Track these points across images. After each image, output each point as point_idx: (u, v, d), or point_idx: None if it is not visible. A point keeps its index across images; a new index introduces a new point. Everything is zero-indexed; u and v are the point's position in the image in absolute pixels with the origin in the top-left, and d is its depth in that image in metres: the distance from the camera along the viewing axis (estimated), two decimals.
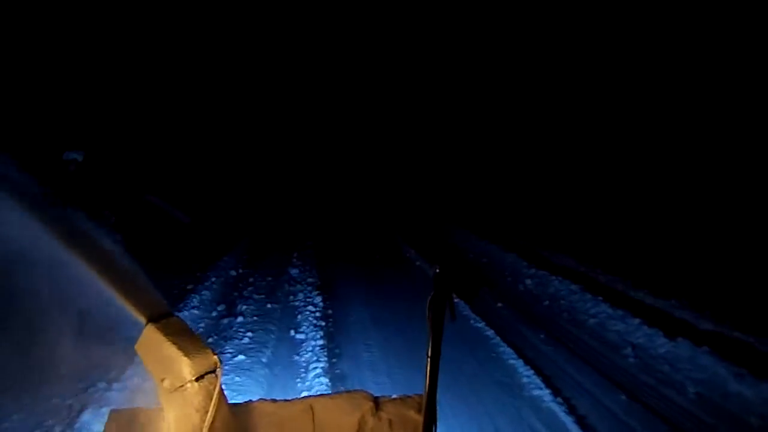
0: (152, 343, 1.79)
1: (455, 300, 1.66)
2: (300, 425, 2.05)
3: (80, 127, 12.59)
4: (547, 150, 18.25)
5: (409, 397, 2.18)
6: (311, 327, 6.64)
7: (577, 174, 16.39)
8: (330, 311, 7.54)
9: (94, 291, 1.73)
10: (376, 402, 2.14)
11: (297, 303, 7.79)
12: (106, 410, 2.08)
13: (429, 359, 1.63)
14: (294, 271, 9.64)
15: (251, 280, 8.99)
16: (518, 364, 5.62)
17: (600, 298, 7.46)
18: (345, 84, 26.27)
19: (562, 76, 18.76)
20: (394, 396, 2.20)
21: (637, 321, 6.54)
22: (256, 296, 7.94)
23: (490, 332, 6.55)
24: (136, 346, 1.82)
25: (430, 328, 1.61)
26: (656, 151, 15.15)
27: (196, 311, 7.29)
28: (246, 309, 7.31)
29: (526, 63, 20.46)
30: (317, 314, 7.14)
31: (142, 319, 1.81)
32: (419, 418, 1.88)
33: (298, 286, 8.67)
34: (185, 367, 1.74)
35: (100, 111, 14.19)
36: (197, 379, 1.77)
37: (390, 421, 2.06)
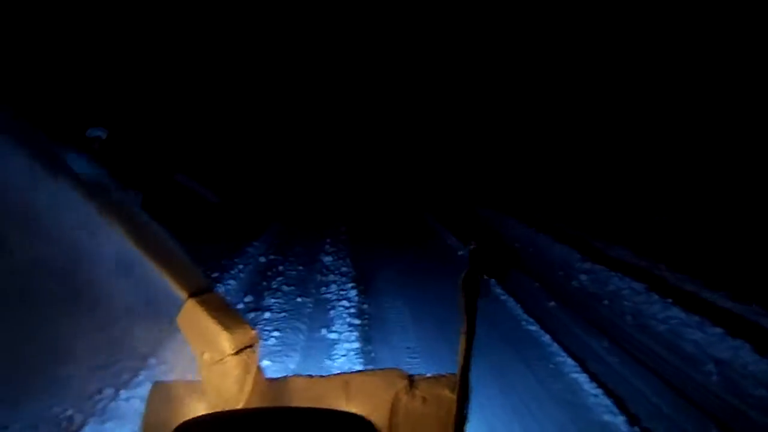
0: (193, 317, 1.84)
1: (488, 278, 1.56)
2: (334, 400, 2.01)
3: (104, 104, 12.11)
4: (593, 128, 17.14)
5: (443, 376, 2.06)
6: (345, 325, 5.98)
7: (632, 154, 15.29)
8: (365, 306, 6.89)
9: (137, 265, 1.77)
10: (411, 380, 2.06)
11: (329, 296, 7.16)
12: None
13: (463, 336, 1.51)
14: (327, 259, 9.01)
15: (281, 268, 8.39)
16: (582, 379, 4.86)
17: (669, 300, 6.62)
18: (379, 61, 25.41)
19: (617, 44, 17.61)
20: (428, 374, 2.09)
21: (718, 330, 5.69)
22: (285, 288, 7.32)
23: (546, 338, 5.80)
24: (177, 320, 1.87)
25: (463, 306, 1.51)
26: (723, 131, 14.05)
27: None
28: (274, 303, 6.69)
29: (574, 32, 19.32)
30: (352, 310, 6.49)
31: (183, 294, 1.84)
32: (452, 396, 1.77)
33: (331, 276, 8.04)
34: (225, 341, 1.79)
35: (126, 87, 13.69)
36: (236, 353, 1.81)
37: (424, 399, 1.99)
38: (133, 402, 4.21)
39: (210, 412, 1.78)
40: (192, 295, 1.85)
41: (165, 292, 1.85)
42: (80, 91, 11.74)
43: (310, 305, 6.76)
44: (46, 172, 1.67)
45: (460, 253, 9.70)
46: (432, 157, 22.06)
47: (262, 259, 8.94)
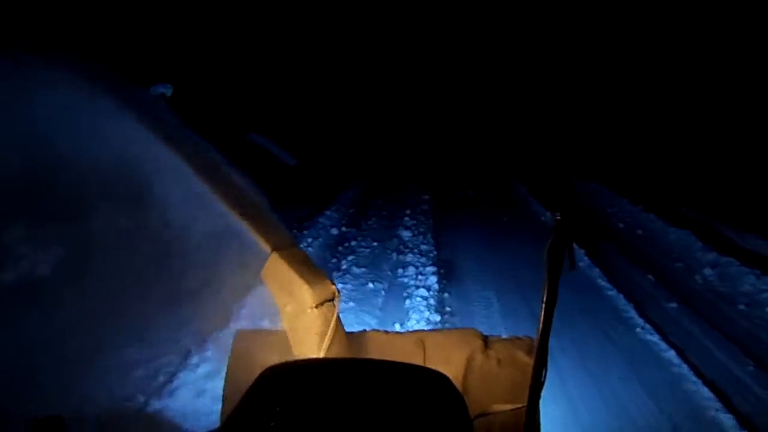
0: (277, 271, 1.95)
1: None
2: (411, 356, 2.07)
3: (171, 58, 11.52)
4: (722, 90, 15.04)
5: (518, 338, 2.17)
6: (422, 323, 5.08)
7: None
8: (446, 294, 5.97)
9: (226, 220, 1.91)
10: (486, 340, 2.15)
11: (406, 280, 6.28)
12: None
13: (544, 305, 1.46)
14: (405, 234, 8.11)
15: (353, 243, 7.56)
16: (728, 422, 3.74)
17: None
18: (467, 23, 23.82)
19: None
20: (503, 336, 2.20)
21: None
22: (356, 269, 6.48)
23: (671, 353, 4.66)
24: (261, 273, 2.01)
25: (546, 276, 1.44)
26: None
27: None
28: (341, 289, 5.86)
29: None
30: (431, 302, 5.57)
31: (268, 248, 1.96)
32: (528, 360, 1.79)
33: (409, 256, 7.14)
34: (306, 294, 1.88)
35: (195, 39, 13.08)
36: (317, 306, 1.90)
37: (498, 360, 2.05)
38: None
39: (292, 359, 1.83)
40: (275, 249, 1.95)
41: (251, 247, 1.95)
42: (144, 41, 11.21)
43: (383, 293, 5.89)
44: (159, 143, 1.81)
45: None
46: (529, 121, 20.53)
47: (334, 231, 8.15)
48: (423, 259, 7.01)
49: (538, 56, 22.00)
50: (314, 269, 2.02)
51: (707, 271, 6.66)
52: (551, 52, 21.50)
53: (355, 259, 6.85)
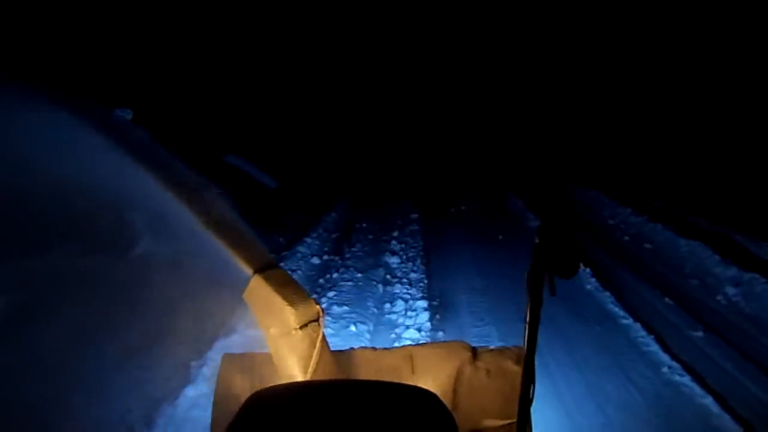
0: (259, 292, 1.95)
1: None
2: (399, 372, 2.06)
3: (138, 77, 10.81)
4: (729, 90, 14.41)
5: (507, 348, 2.15)
6: None
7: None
8: (441, 333, 5.26)
9: (206, 243, 1.84)
10: (474, 352, 2.13)
11: (394, 318, 5.58)
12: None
13: (527, 326, 1.47)
14: (393, 261, 7.39)
15: (335, 275, 6.82)
16: None
17: None
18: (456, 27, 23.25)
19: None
20: (491, 347, 2.18)
21: None
22: (336, 308, 5.73)
23: (708, 400, 3.95)
24: (243, 295, 1.99)
25: (528, 296, 1.47)
26: None
27: (251, 331, 5.24)
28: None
29: None
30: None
31: (249, 270, 1.95)
32: (516, 369, 1.77)
33: (397, 287, 6.42)
34: (290, 315, 1.88)
35: (164, 55, 12.38)
36: (301, 327, 1.90)
37: (487, 371, 2.05)
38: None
39: (279, 383, 1.75)
40: (257, 271, 1.98)
41: (232, 270, 1.95)
42: (114, 61, 10.51)
43: (367, 336, 5.15)
44: (132, 165, 1.76)
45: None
46: (522, 125, 19.87)
47: (315, 261, 7.42)
48: (413, 291, 6.29)
49: (533, 56, 21.39)
50: (297, 289, 1.99)
51: (730, 290, 5.96)
52: (547, 52, 20.90)
53: (336, 295, 6.10)
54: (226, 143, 12.99)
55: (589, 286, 6.33)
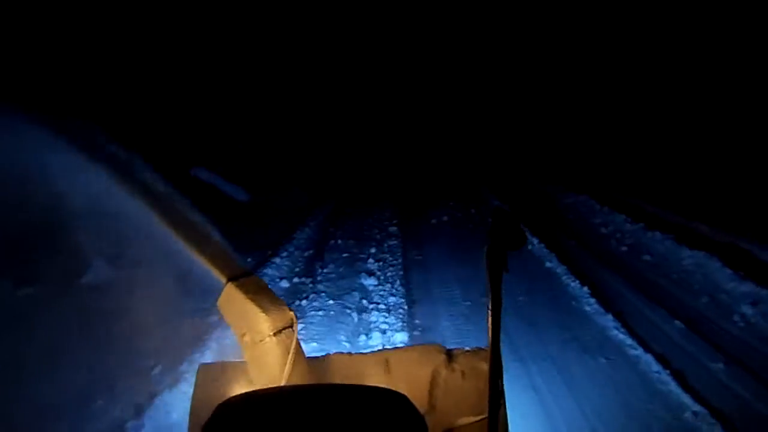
0: (232, 300, 1.91)
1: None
2: (375, 376, 2.07)
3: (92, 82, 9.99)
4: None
5: (481, 349, 2.15)
6: None
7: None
8: None
9: (177, 251, 1.82)
10: (449, 354, 2.16)
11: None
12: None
13: (490, 312, 1.44)
14: (369, 283, 6.67)
15: (303, 302, 6.08)
16: None
17: None
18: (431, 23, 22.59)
19: None
20: (467, 348, 2.17)
21: None
22: (303, 345, 4.99)
23: None
24: (218, 304, 1.94)
25: (488, 280, 1.42)
26: None
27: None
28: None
29: None
30: None
31: (222, 278, 1.92)
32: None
33: (374, 315, 5.70)
34: (263, 322, 1.85)
35: (122, 58, 11.56)
36: (275, 334, 1.87)
37: (463, 372, 2.08)
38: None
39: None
40: (231, 279, 1.92)
41: (205, 278, 1.93)
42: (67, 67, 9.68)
43: None
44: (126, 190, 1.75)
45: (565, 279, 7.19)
46: (507, 125, 19.27)
47: (285, 284, 6.69)
48: (391, 319, 5.57)
49: (523, 55, 20.82)
50: (271, 297, 1.98)
51: (747, 310, 5.30)
52: (537, 50, 20.32)
53: (304, 328, 5.35)
54: (193, 154, 12.18)
55: (588, 308, 5.65)
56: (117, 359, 4.72)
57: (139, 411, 4.07)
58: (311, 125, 17.77)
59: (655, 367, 4.35)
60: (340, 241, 8.58)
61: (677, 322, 5.21)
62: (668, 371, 4.26)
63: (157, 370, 4.74)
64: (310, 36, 19.06)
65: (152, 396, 4.21)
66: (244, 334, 1.91)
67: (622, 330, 5.05)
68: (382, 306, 5.93)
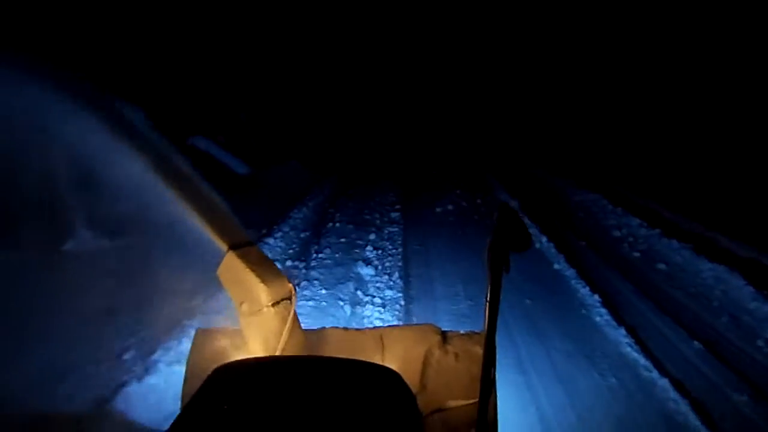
0: (232, 269, 1.92)
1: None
2: (369, 352, 2.08)
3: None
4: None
5: (476, 333, 2.18)
6: None
7: None
8: None
9: (181, 217, 1.82)
10: (444, 336, 2.16)
11: None
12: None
13: (488, 303, 1.48)
14: (366, 272, 6.27)
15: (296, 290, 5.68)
16: None
17: None
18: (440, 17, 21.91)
19: None
20: (461, 331, 2.20)
21: None
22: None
23: None
24: (217, 272, 1.97)
25: (489, 274, 1.47)
26: None
27: (177, 366, 4.13)
28: None
29: None
30: None
31: (224, 247, 1.94)
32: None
33: (368, 309, 5.32)
34: (262, 293, 1.89)
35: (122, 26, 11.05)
36: (273, 305, 1.91)
37: (456, 355, 2.07)
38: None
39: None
40: (232, 247, 1.95)
41: (207, 245, 1.93)
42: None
43: None
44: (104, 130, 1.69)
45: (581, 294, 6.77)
46: (517, 115, 18.72)
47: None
48: (386, 315, 5.18)
49: (533, 49, 20.20)
50: (271, 267, 2.00)
51: None
52: (548, 45, 19.69)
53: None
54: (192, 122, 11.71)
55: (599, 319, 5.24)
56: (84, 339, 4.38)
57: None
58: (320, 99, 17.24)
59: (673, 394, 3.94)
60: (338, 224, 8.17)
61: (696, 342, 4.79)
62: (687, 401, 3.85)
63: (128, 355, 4.37)
64: (329, 12, 18.46)
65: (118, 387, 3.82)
66: (242, 303, 1.93)
67: (636, 347, 4.64)
68: (377, 300, 5.53)
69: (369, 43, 20.54)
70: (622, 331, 4.94)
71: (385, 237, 7.66)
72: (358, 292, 5.73)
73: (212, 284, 6.11)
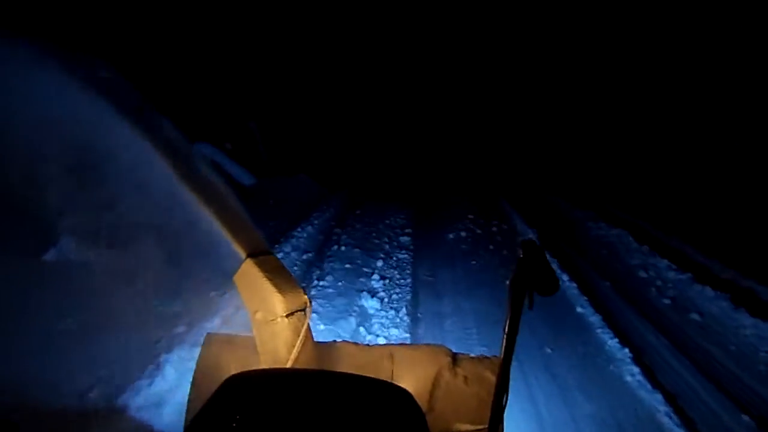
0: (249, 276, 1.93)
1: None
2: (379, 369, 2.05)
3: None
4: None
5: (486, 357, 2.15)
6: None
7: None
8: None
9: (204, 223, 1.80)
10: (454, 358, 2.13)
11: None
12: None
13: (506, 334, 1.47)
14: (371, 306, 5.71)
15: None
16: None
17: None
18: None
19: None
20: (472, 355, 2.15)
21: None
22: None
23: None
24: (234, 278, 1.97)
25: (509, 307, 1.46)
26: None
27: (145, 413, 3.57)
28: None
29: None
30: None
31: (242, 253, 1.94)
32: (494, 379, 1.65)
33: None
34: (278, 303, 1.89)
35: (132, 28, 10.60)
36: (287, 316, 1.90)
37: (465, 378, 2.05)
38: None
39: (259, 368, 1.84)
40: (250, 255, 1.95)
41: (226, 250, 1.91)
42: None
43: None
44: (153, 145, 1.65)
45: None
46: (534, 138, 18.17)
47: None
48: None
49: (553, 68, 19.69)
50: (287, 277, 1.97)
51: None
52: (566, 72, 19.20)
53: None
54: (198, 127, 11.22)
55: (629, 379, 4.64)
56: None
57: None
58: (335, 113, 16.77)
59: None
60: (344, 248, 7.60)
61: (745, 417, 4.18)
62: None
63: (93, 394, 3.81)
64: (342, 25, 18.07)
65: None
66: (256, 311, 1.92)
67: (676, 418, 4.04)
68: (381, 340, 4.95)
69: (389, 61, 20.13)
70: (659, 396, 4.33)
71: (394, 264, 7.09)
72: (361, 329, 5.15)
73: (203, 308, 5.62)
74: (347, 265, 6.86)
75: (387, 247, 7.81)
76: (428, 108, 20.42)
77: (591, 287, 6.80)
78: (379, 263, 7.00)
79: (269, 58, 14.41)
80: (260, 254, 1.99)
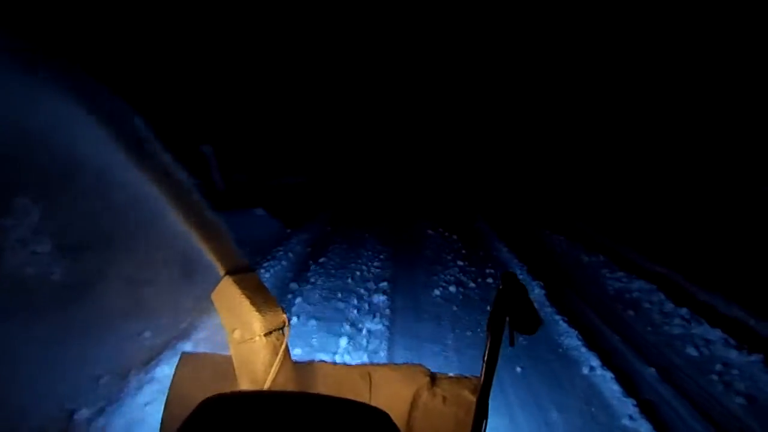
0: (227, 294, 1.87)
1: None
2: (357, 389, 2.04)
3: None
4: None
5: (465, 377, 2.13)
6: None
7: None
8: None
9: (182, 238, 1.75)
10: (433, 378, 2.09)
11: None
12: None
13: (484, 365, 1.53)
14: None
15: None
16: None
17: None
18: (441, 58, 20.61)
19: None
20: (450, 374, 2.13)
21: None
22: None
23: None
24: (212, 296, 1.91)
25: (488, 335, 1.50)
26: None
27: None
28: None
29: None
30: None
31: (221, 271, 1.88)
32: (473, 399, 1.78)
33: None
34: (256, 321, 1.84)
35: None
36: (266, 335, 1.85)
37: (444, 398, 2.02)
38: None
39: (235, 389, 1.80)
40: (229, 272, 1.89)
41: (204, 267, 1.85)
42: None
43: None
44: (132, 156, 1.58)
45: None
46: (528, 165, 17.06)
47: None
48: None
49: (542, 108, 18.90)
50: (266, 296, 1.95)
51: None
52: (561, 103, 18.36)
53: None
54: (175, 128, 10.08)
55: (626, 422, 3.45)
56: None
57: None
58: (298, 133, 15.80)
59: None
60: (296, 318, 6.22)
61: None
62: None
63: None
64: (310, 46, 17.28)
65: None
66: (234, 330, 1.87)
67: None
68: None
69: (355, 85, 19.40)
70: None
71: (363, 343, 5.66)
72: None
73: (177, 325, 4.97)
74: (295, 350, 5.40)
75: (355, 313, 6.43)
76: (419, 141, 19.67)
77: (603, 347, 5.50)
78: (344, 341, 5.61)
79: (225, 74, 13.47)
80: (239, 272, 1.90)
